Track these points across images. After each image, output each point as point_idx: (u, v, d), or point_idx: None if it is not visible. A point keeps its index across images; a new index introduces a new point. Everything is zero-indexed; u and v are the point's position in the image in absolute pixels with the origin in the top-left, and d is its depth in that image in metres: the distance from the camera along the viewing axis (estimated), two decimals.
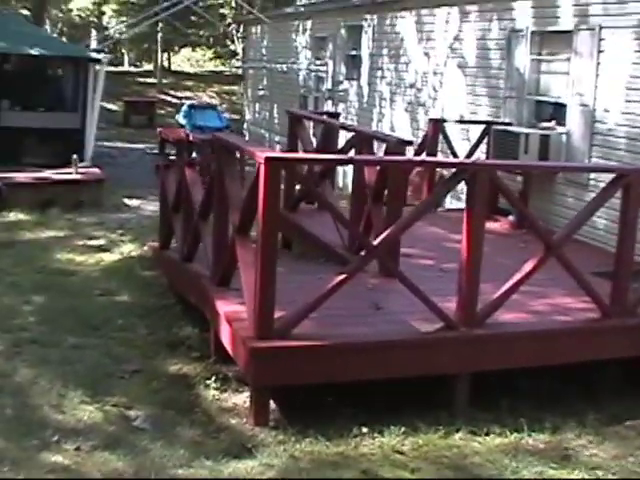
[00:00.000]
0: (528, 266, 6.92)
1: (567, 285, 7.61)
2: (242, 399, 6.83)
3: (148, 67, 48.59)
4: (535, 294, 7.64)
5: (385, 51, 17.57)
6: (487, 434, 6.32)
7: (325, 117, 11.48)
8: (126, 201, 15.76)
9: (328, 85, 20.51)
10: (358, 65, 18.87)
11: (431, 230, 10.52)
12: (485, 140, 12.38)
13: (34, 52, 16.22)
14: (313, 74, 21.59)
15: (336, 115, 12.53)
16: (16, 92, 16.72)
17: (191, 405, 6.74)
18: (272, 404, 6.49)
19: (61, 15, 51.38)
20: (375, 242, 6.42)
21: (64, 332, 8.15)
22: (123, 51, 54.93)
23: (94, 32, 45.79)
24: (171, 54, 51.21)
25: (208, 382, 7.11)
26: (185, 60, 55.43)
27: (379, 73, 17.85)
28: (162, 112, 32.63)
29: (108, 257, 11.35)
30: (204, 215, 8.03)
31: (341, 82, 19.87)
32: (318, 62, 21.32)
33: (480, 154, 12.42)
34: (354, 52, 19.28)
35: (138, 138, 26.89)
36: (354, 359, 6.37)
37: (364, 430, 6.21)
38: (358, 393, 6.73)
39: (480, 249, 6.66)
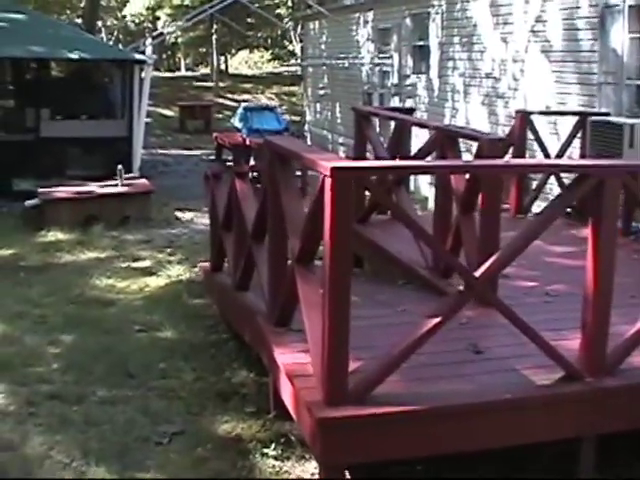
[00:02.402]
0: None
1: None
2: (309, 470, 5.41)
3: (205, 71, 47.50)
4: None
5: (456, 39, 16.03)
6: None
7: (397, 114, 9.95)
8: (178, 214, 14.38)
9: (394, 80, 18.99)
10: (426, 56, 17.37)
11: None
12: (579, 134, 10.76)
13: (73, 56, 14.95)
14: (377, 69, 20.09)
15: (410, 111, 10.98)
16: (57, 100, 15.50)
17: None
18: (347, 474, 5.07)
19: (116, 22, 50.67)
20: (477, 273, 4.91)
21: (93, 382, 6.77)
22: (179, 56, 54.08)
23: (149, 38, 44.92)
24: (228, 57, 50.13)
25: (266, 449, 5.68)
26: (243, 63, 54.34)
27: (450, 64, 16.31)
28: (219, 116, 31.33)
29: (153, 282, 9.96)
30: (258, 236, 6.59)
31: (408, 76, 18.35)
32: (382, 56, 19.82)
33: (571, 150, 10.83)
34: (421, 43, 17.77)
35: (194, 144, 25.60)
36: (452, 426, 4.85)
37: None
38: (454, 459, 5.26)
39: (611, 275, 5.13)
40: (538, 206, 11.26)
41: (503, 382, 5.17)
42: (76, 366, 7.08)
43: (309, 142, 24.59)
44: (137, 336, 7.98)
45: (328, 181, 4.43)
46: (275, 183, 5.74)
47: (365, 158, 9.52)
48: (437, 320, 4.78)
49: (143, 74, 15.65)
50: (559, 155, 10.52)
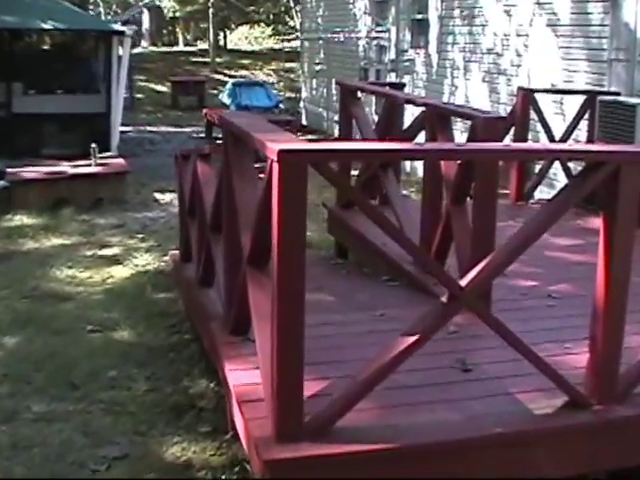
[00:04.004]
0: None
1: None
2: None
3: (203, 46, 46.43)
4: None
5: (457, 12, 15.06)
6: None
7: (387, 89, 9.03)
8: (157, 196, 13.46)
9: (391, 55, 18.03)
10: (425, 31, 16.41)
11: None
12: (586, 115, 9.83)
13: (47, 26, 14.02)
14: (374, 43, 19.13)
15: (400, 86, 10.06)
16: (30, 73, 14.56)
17: None
18: None
19: None
20: (464, 281, 4.03)
21: (30, 394, 5.94)
22: (178, 30, 53.03)
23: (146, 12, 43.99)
24: (227, 32, 49.05)
25: None
26: (243, 38, 53.26)
27: (450, 39, 15.36)
28: (214, 92, 30.25)
29: (118, 272, 9.08)
30: (216, 228, 5.73)
31: (406, 51, 17.40)
32: (379, 29, 18.86)
33: (577, 132, 9.92)
34: (420, 16, 16.81)
35: (186, 121, 24.56)
36: (434, 468, 4.00)
37: None
38: None
39: (626, 280, 4.24)
40: (541, 192, 10.40)
41: (496, 410, 4.30)
42: (14, 374, 6.25)
43: (304, 120, 23.65)
44: (89, 337, 7.12)
45: (276, 167, 3.55)
46: (229, 167, 4.87)
47: (351, 139, 8.62)
48: (414, 339, 3.91)
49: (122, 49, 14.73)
50: (564, 138, 9.64)
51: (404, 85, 10.67)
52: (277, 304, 3.72)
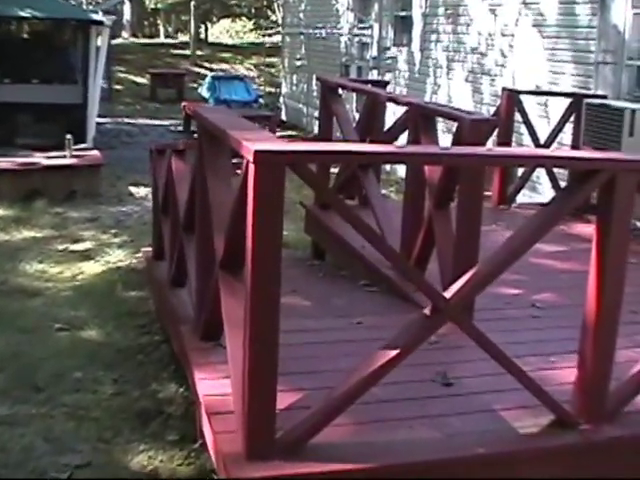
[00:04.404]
0: None
1: None
2: None
3: (184, 38, 46.08)
4: None
5: (441, 10, 14.87)
6: None
7: (369, 86, 8.80)
8: (132, 189, 13.19)
9: (373, 52, 17.83)
10: (409, 28, 16.20)
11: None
12: (572, 118, 9.62)
13: (25, 14, 13.72)
14: (356, 40, 18.92)
15: (383, 84, 9.84)
16: (6, 62, 14.25)
17: None
18: None
19: None
20: (449, 292, 3.81)
21: None
22: (159, 22, 52.65)
23: (128, 3, 43.61)
24: (209, 25, 48.70)
25: None
26: (224, 32, 52.91)
27: (434, 37, 15.17)
28: (194, 85, 29.93)
29: (89, 268, 8.82)
30: (188, 227, 5.50)
31: (388, 48, 17.20)
32: (362, 26, 18.64)
33: (561, 135, 9.72)
34: (404, 13, 16.60)
35: (164, 114, 24.20)
36: None
37: None
38: None
39: (619, 294, 4.02)
40: (524, 195, 10.21)
41: (479, 429, 4.09)
42: None
43: (284, 115, 23.43)
44: (56, 336, 6.87)
45: (252, 168, 3.32)
46: (202, 165, 4.63)
47: (331, 138, 8.38)
48: (396, 352, 3.68)
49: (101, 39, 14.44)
50: (549, 141, 9.44)
51: (387, 83, 10.45)
52: (250, 312, 3.49)
